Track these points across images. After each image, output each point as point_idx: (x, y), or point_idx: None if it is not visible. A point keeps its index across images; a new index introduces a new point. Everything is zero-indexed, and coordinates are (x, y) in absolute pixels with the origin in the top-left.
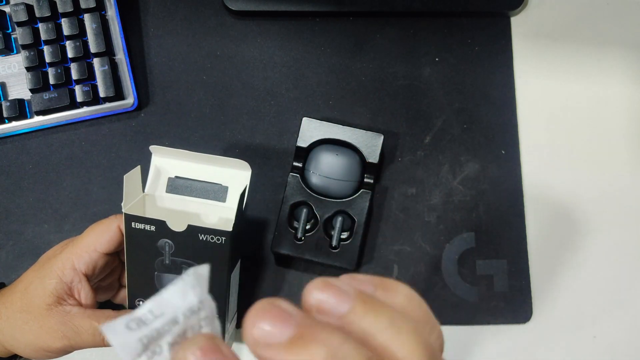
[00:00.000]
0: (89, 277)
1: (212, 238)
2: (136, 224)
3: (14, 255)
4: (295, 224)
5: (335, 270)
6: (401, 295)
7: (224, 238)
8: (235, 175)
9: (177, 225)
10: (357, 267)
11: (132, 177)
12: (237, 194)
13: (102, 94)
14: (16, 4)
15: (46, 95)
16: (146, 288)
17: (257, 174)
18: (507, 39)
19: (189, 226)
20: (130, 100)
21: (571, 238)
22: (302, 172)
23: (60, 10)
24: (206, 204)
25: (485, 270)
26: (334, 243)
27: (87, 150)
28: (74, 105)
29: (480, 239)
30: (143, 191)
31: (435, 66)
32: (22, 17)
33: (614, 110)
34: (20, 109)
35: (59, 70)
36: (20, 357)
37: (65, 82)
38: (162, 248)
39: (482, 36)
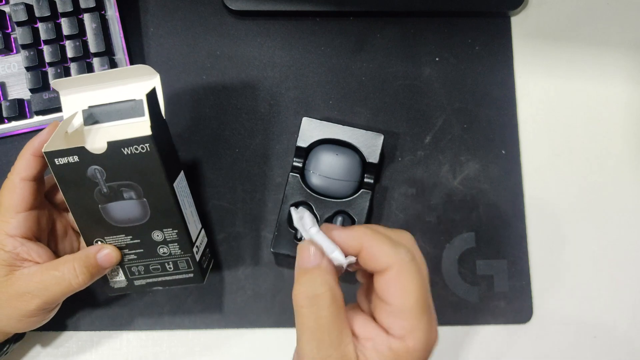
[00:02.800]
0: (30, 237)
1: (136, 149)
2: (59, 159)
3: None
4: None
5: None
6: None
7: (147, 144)
8: (146, 86)
9: (98, 148)
10: None
11: (60, 124)
12: (148, 99)
13: None
14: (16, 4)
15: (46, 95)
16: (97, 225)
17: (257, 174)
18: (507, 39)
19: (109, 144)
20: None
21: (571, 238)
22: (302, 172)
23: (60, 10)
24: (128, 124)
25: (486, 270)
26: None
27: None
28: None
29: (480, 239)
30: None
31: (436, 66)
32: (22, 16)
33: (614, 110)
34: (20, 109)
35: (59, 70)
36: (21, 334)
37: None
38: (94, 177)
39: (482, 36)
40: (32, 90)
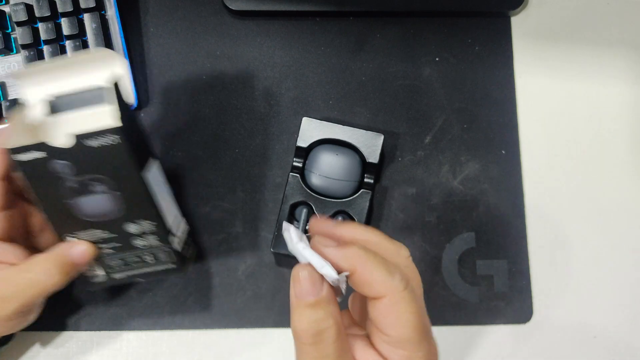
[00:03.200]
0: (5, 238)
1: (105, 141)
2: (23, 155)
3: None
4: (295, 224)
5: None
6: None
7: (116, 136)
8: (110, 71)
9: (64, 141)
10: None
11: (22, 116)
12: (113, 86)
13: None
14: (16, 4)
15: None
16: (69, 221)
17: (257, 174)
18: (507, 39)
19: (76, 136)
20: (130, 100)
21: (571, 238)
22: (302, 172)
23: (60, 10)
24: (93, 113)
25: (486, 271)
26: None
27: None
28: None
29: (481, 239)
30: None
31: (436, 66)
32: (22, 16)
33: (614, 110)
34: None
35: None
36: (7, 337)
37: None
38: (62, 172)
39: (482, 36)
40: None
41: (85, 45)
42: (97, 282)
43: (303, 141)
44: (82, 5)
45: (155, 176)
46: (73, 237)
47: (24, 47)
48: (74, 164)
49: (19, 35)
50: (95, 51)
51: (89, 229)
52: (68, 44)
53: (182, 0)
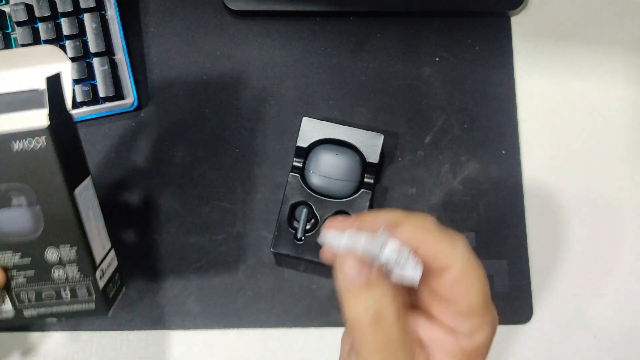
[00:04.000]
0: None
1: (29, 143)
2: None
3: None
4: (295, 224)
5: None
6: None
7: (43, 137)
8: (52, 71)
9: None
10: None
11: None
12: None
13: (101, 94)
14: (16, 4)
15: None
16: None
17: (257, 174)
18: (507, 39)
19: None
20: (129, 100)
21: (571, 238)
22: (302, 172)
23: (60, 10)
24: (26, 116)
25: (486, 271)
26: None
27: (86, 150)
28: (73, 105)
29: (480, 239)
30: None
31: (436, 66)
32: (22, 16)
33: (614, 110)
34: None
35: None
36: None
37: None
38: None
39: (482, 36)
40: None
41: (85, 45)
42: (3, 319)
43: (303, 141)
44: (82, 5)
45: (86, 196)
46: None
47: (24, 47)
48: None
49: (19, 35)
50: (39, 48)
51: (1, 250)
52: (68, 44)
53: (182, 0)
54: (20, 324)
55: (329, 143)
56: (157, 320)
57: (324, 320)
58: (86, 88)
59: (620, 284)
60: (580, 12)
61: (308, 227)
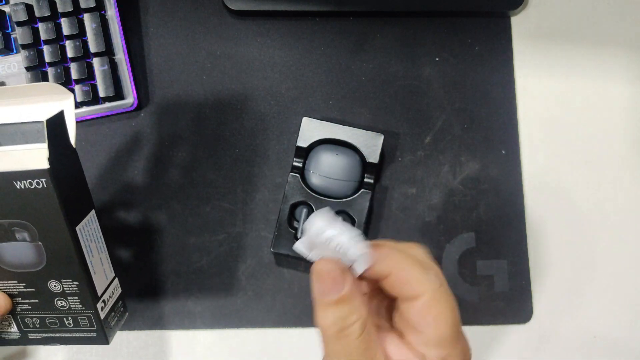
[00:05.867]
0: None
1: (30, 183)
2: None
3: None
4: (295, 224)
5: None
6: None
7: (44, 179)
8: (57, 107)
9: None
10: None
11: None
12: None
13: (101, 94)
14: (16, 4)
15: None
16: None
17: (257, 174)
18: (507, 39)
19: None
20: (130, 100)
21: (571, 238)
22: (302, 172)
23: (60, 10)
24: (31, 150)
25: (486, 271)
26: None
27: (86, 150)
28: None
29: (481, 239)
30: None
31: (435, 66)
32: (22, 16)
33: (614, 110)
34: None
35: (59, 70)
36: None
37: (65, 82)
38: None
39: (482, 36)
40: None
41: (85, 45)
42: (9, 339)
43: (303, 141)
44: (82, 5)
45: (90, 230)
46: None
47: (24, 47)
48: None
49: (19, 35)
50: (43, 85)
51: (7, 279)
52: (68, 44)
53: (182, 0)
54: (25, 345)
55: (329, 143)
56: (157, 320)
57: None
58: (86, 88)
59: (620, 284)
60: (580, 12)
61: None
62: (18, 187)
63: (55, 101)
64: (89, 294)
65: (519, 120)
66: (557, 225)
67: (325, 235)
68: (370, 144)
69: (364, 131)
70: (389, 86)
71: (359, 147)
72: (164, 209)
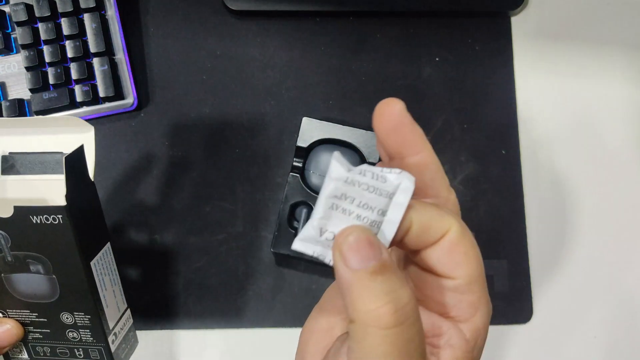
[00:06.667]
0: None
1: (47, 219)
2: None
3: None
4: (295, 224)
5: None
6: None
7: (60, 216)
8: (79, 140)
9: (3, 210)
10: None
11: None
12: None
13: (101, 94)
14: (16, 4)
15: (46, 95)
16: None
17: (257, 174)
18: (507, 39)
19: (16, 208)
20: (130, 100)
21: (571, 238)
22: (302, 172)
23: (60, 10)
24: (50, 180)
25: (486, 271)
26: None
27: None
28: (73, 105)
29: (481, 239)
30: None
31: (435, 66)
32: (22, 16)
33: (614, 110)
34: (20, 109)
35: (59, 70)
36: None
37: (65, 82)
38: None
39: (482, 36)
40: (32, 90)
41: (85, 45)
42: None
43: (303, 141)
44: (82, 5)
45: (104, 263)
46: (1, 312)
47: (24, 47)
48: (12, 237)
49: (19, 35)
50: (65, 118)
51: (20, 308)
52: (68, 44)
53: (182, 0)
54: None
55: (329, 143)
56: (157, 320)
57: None
58: (86, 88)
59: (620, 283)
60: (580, 12)
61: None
62: (34, 222)
63: (76, 133)
64: (101, 328)
65: (519, 120)
66: (557, 225)
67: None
68: (370, 144)
69: (364, 131)
70: (389, 86)
71: (359, 147)
72: (164, 209)
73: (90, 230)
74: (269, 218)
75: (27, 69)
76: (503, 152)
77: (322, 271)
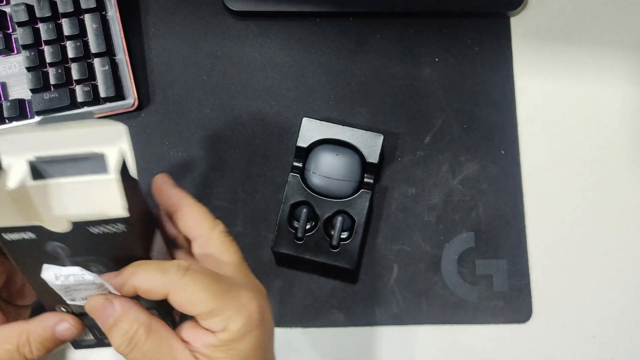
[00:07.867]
0: None
1: (106, 228)
2: (8, 234)
3: None
4: (296, 224)
5: (336, 270)
6: None
7: (123, 226)
8: (108, 137)
9: (59, 224)
10: (357, 266)
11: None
12: (117, 160)
13: (102, 94)
14: (17, 4)
15: (47, 95)
16: (58, 295)
17: (257, 174)
18: (507, 39)
19: (74, 224)
20: (130, 100)
21: (571, 238)
22: (302, 172)
23: (60, 10)
24: (88, 182)
25: (485, 270)
26: (334, 243)
27: None
28: (74, 105)
29: (480, 238)
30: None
31: (435, 66)
32: (23, 17)
33: (614, 110)
34: (21, 109)
35: (60, 71)
36: None
37: (66, 82)
38: (54, 253)
39: (482, 36)
40: (33, 91)
41: (86, 45)
42: (86, 345)
43: (303, 141)
44: (83, 5)
45: (158, 248)
46: (62, 307)
47: (25, 47)
48: (70, 247)
49: (20, 35)
50: (97, 121)
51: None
52: (69, 44)
53: (182, 0)
54: (101, 346)
55: (329, 143)
56: None
57: (324, 320)
58: (87, 88)
59: (620, 283)
60: (580, 12)
61: (308, 227)
62: (94, 232)
63: (109, 133)
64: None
65: (519, 120)
66: (556, 225)
67: (67, 282)
68: (370, 144)
69: (364, 131)
70: (388, 86)
71: (359, 147)
72: None
73: (146, 227)
74: (269, 218)
75: (28, 69)
76: (503, 152)
77: (322, 271)
